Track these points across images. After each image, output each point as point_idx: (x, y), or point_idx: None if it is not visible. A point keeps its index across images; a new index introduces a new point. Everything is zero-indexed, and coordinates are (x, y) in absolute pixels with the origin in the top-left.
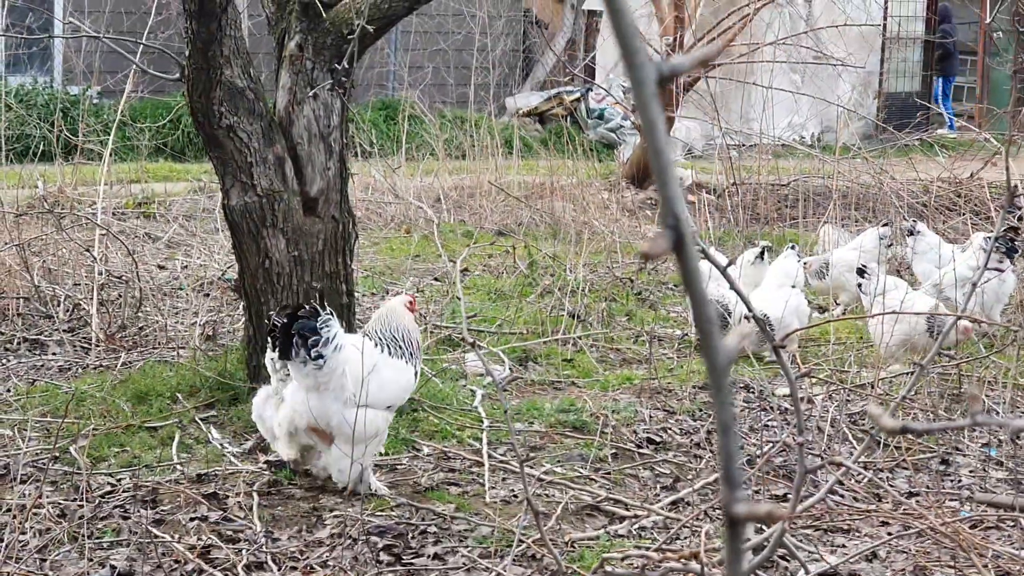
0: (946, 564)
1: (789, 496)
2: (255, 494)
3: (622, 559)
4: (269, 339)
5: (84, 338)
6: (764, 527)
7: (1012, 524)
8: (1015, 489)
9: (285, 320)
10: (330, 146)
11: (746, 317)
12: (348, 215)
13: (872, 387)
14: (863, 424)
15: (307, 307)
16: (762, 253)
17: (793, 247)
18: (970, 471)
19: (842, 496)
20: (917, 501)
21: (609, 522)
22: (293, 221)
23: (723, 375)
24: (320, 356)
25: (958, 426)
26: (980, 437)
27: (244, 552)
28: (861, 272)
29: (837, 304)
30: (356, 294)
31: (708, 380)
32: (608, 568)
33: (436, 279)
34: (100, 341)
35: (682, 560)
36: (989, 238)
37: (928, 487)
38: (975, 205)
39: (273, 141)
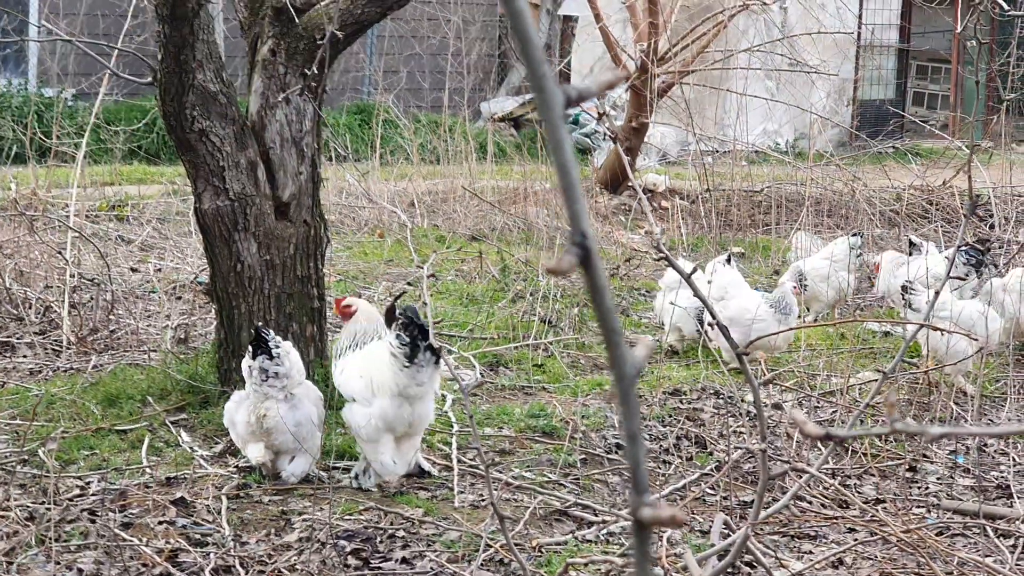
0: (912, 571)
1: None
2: (224, 498)
3: (585, 564)
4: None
5: (55, 341)
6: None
7: (978, 531)
8: (981, 496)
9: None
10: (302, 151)
11: (710, 324)
12: (320, 220)
13: (841, 394)
14: (832, 430)
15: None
16: (728, 259)
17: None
18: (937, 478)
19: (809, 502)
20: (883, 508)
21: (577, 527)
22: (265, 225)
23: (630, 385)
24: None
25: (878, 433)
26: (947, 445)
27: (212, 556)
28: (906, 289)
29: (809, 312)
30: (327, 298)
31: (614, 390)
32: (573, 573)
33: (409, 283)
34: (71, 344)
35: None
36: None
37: (895, 494)
38: (947, 213)
39: (245, 145)
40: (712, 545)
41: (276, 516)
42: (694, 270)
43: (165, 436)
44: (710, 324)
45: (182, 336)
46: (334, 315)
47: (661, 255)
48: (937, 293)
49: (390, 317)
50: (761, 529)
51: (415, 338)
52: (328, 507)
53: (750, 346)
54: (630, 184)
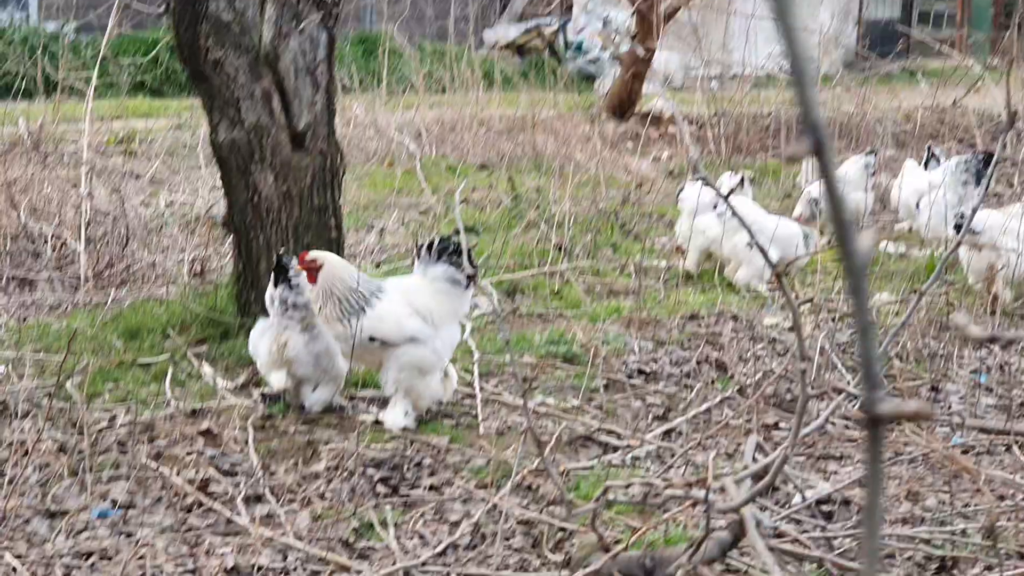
0: (939, 489)
1: (780, 424)
2: (250, 428)
3: (625, 487)
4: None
5: (72, 276)
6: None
7: (1004, 448)
8: (1005, 414)
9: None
10: (316, 80)
11: (748, 244)
12: (335, 149)
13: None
14: (852, 353)
15: None
16: (742, 181)
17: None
18: (960, 398)
19: (833, 424)
20: (908, 427)
21: (603, 452)
22: (281, 156)
23: (860, 277)
24: None
25: None
26: (969, 364)
27: (242, 485)
28: (958, 227)
29: (823, 236)
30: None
31: (847, 281)
32: (611, 496)
33: (421, 213)
34: (88, 279)
35: (686, 488)
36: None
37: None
38: (958, 132)
39: (260, 75)
40: (745, 467)
41: (303, 446)
42: (732, 190)
43: (187, 368)
44: (748, 244)
45: (198, 269)
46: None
47: (699, 175)
48: (974, 210)
49: (430, 249)
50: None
51: (469, 262)
52: (355, 436)
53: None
54: (637, 111)
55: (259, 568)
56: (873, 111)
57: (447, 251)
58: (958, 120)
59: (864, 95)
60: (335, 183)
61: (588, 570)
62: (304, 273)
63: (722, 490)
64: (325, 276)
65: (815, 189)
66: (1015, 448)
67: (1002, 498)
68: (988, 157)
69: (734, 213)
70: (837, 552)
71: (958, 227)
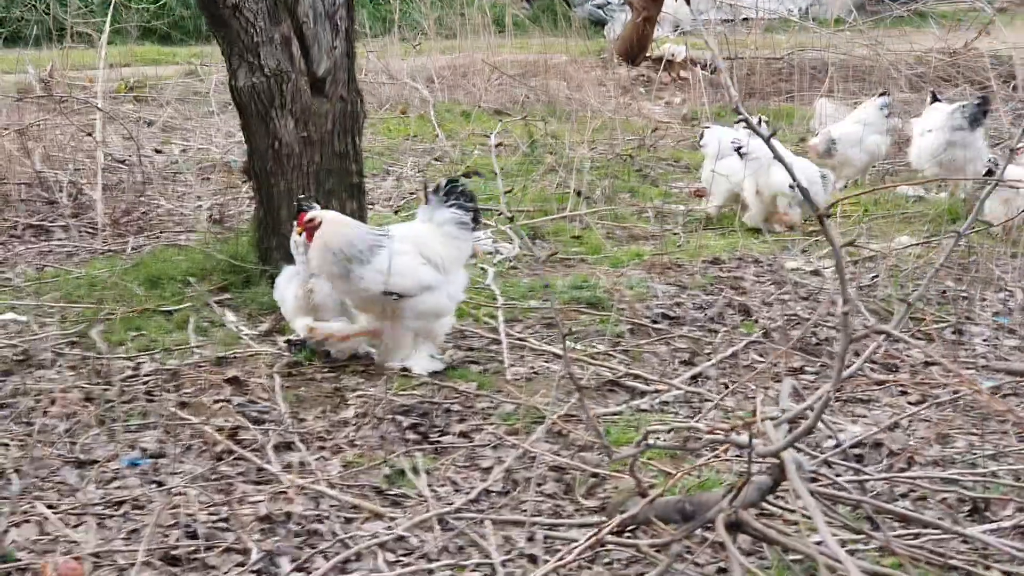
0: (968, 432)
1: (807, 368)
2: (276, 376)
3: (668, 431)
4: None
5: (89, 223)
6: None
7: None
8: None
9: None
10: (336, 25)
11: (790, 186)
12: (356, 95)
13: (884, 258)
14: (873, 295)
15: None
16: (759, 121)
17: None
18: (983, 340)
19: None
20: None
21: (631, 397)
22: (301, 101)
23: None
24: None
25: None
26: (990, 306)
27: (271, 433)
28: (989, 172)
29: (838, 179)
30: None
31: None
32: (650, 441)
33: (436, 159)
34: (106, 226)
35: (736, 430)
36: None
37: (944, 356)
38: (971, 75)
39: (279, 20)
40: (783, 411)
41: (330, 393)
42: (773, 133)
43: (209, 316)
44: (791, 186)
45: (217, 216)
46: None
47: (741, 117)
48: (1013, 151)
49: (437, 192)
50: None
51: (472, 204)
52: (382, 383)
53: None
54: (648, 55)
55: (292, 516)
56: (886, 54)
57: (454, 194)
58: (972, 63)
59: (876, 38)
60: (356, 129)
61: (626, 515)
62: None
63: (762, 434)
64: (324, 234)
65: (836, 129)
66: None
67: None
68: (983, 103)
69: (776, 155)
70: (871, 495)
71: (990, 172)
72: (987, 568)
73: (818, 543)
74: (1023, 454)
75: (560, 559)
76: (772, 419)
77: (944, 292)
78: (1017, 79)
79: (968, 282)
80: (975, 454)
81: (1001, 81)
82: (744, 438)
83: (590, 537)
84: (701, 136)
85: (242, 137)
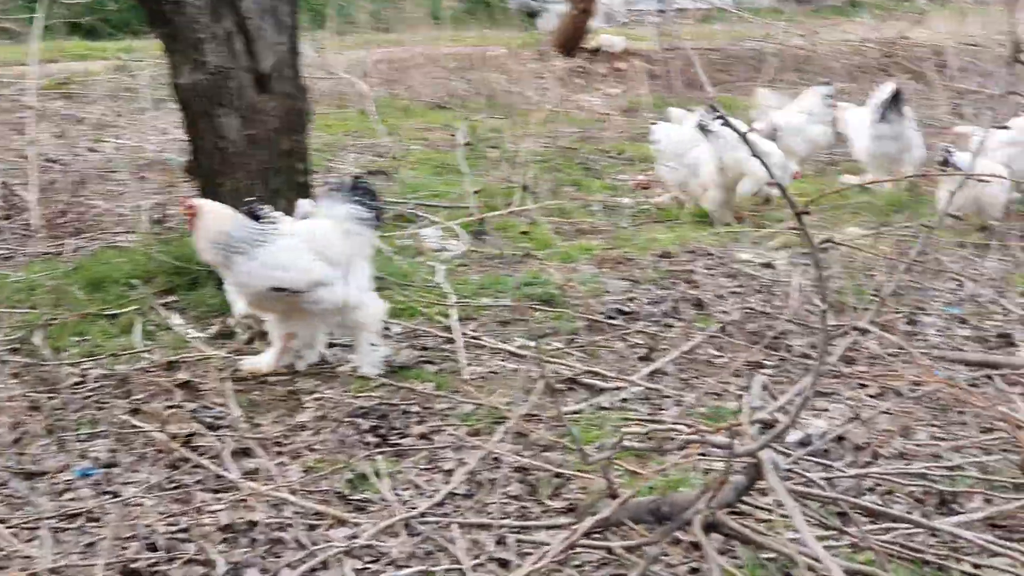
0: (928, 423)
1: (765, 363)
2: (229, 380)
3: (646, 433)
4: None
5: (24, 225)
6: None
7: (986, 380)
8: (982, 346)
9: None
10: (280, 20)
11: (768, 184)
12: (302, 91)
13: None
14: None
15: None
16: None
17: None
18: (936, 330)
19: (815, 360)
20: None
21: (590, 395)
22: (246, 99)
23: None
24: None
25: None
26: (941, 296)
27: (228, 439)
28: (945, 162)
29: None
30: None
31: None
32: (626, 442)
33: (378, 155)
34: (41, 228)
35: (719, 431)
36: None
37: (899, 348)
38: (906, 65)
39: (222, 16)
40: (753, 409)
41: (285, 396)
42: (750, 128)
43: (156, 320)
44: (769, 183)
45: (158, 216)
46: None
47: (718, 114)
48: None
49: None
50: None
51: (374, 201)
52: (338, 385)
53: None
54: (585, 47)
55: (255, 524)
56: (821, 44)
57: (354, 191)
58: (905, 53)
59: (812, 28)
60: (302, 126)
61: (597, 517)
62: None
63: (736, 434)
64: (202, 224)
65: (779, 117)
66: (996, 379)
67: (990, 430)
68: (896, 94)
69: (754, 152)
70: (839, 490)
71: (944, 162)
72: (958, 561)
73: (792, 540)
74: (985, 446)
75: (535, 564)
76: (761, 422)
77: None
78: (951, 68)
79: (918, 273)
80: (938, 446)
81: (938, 70)
82: (720, 438)
83: (564, 540)
84: (652, 133)
85: (179, 134)
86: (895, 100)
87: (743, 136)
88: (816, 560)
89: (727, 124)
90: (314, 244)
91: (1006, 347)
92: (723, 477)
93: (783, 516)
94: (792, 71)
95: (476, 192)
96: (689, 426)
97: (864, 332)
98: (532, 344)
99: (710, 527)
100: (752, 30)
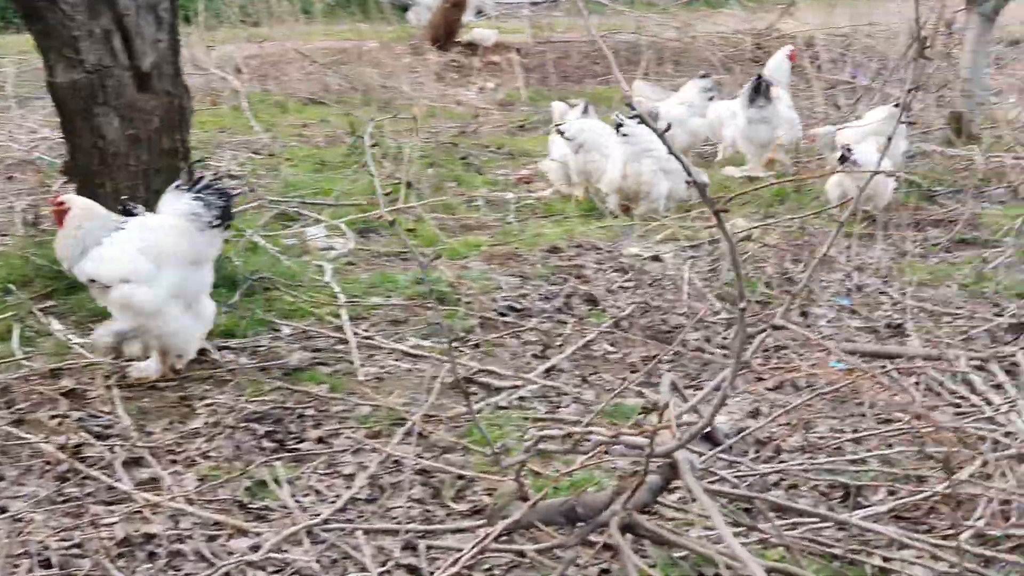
0: (828, 415)
1: (659, 356)
2: (116, 387)
3: (564, 436)
4: None
5: None
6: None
7: (881, 370)
8: (874, 336)
9: None
10: (160, 17)
11: (687, 183)
12: (183, 89)
13: (713, 243)
14: (713, 281)
15: None
16: (585, 108)
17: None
18: (827, 322)
19: (712, 354)
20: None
21: (487, 394)
22: (126, 97)
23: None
24: None
25: None
26: (829, 287)
27: (118, 449)
28: (844, 159)
29: None
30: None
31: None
32: (542, 445)
33: (255, 151)
34: None
35: (644, 433)
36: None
37: (793, 340)
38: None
39: (99, 13)
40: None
41: (176, 402)
42: (668, 127)
43: (35, 325)
44: (687, 182)
45: (32, 218)
46: None
47: (635, 113)
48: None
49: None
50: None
51: (220, 200)
52: (231, 390)
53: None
54: (458, 40)
55: (152, 537)
56: (695, 36)
57: (194, 187)
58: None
59: (685, 20)
60: (184, 125)
61: (509, 521)
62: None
63: (654, 434)
64: (72, 219)
65: (660, 109)
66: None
67: (888, 421)
68: (759, 80)
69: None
70: (744, 486)
71: (843, 158)
72: (869, 555)
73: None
74: (885, 437)
75: (447, 570)
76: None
77: (785, 274)
78: (821, 59)
79: (806, 263)
80: (839, 438)
81: (810, 61)
82: (637, 439)
83: (476, 545)
84: (561, 131)
85: (48, 133)
86: (761, 86)
87: (660, 136)
88: (734, 559)
89: (643, 122)
90: (143, 240)
91: (898, 337)
92: (640, 478)
93: (689, 513)
94: (669, 63)
95: (387, 194)
96: (615, 429)
97: (780, 328)
98: (428, 343)
99: (627, 528)
100: (626, 23)
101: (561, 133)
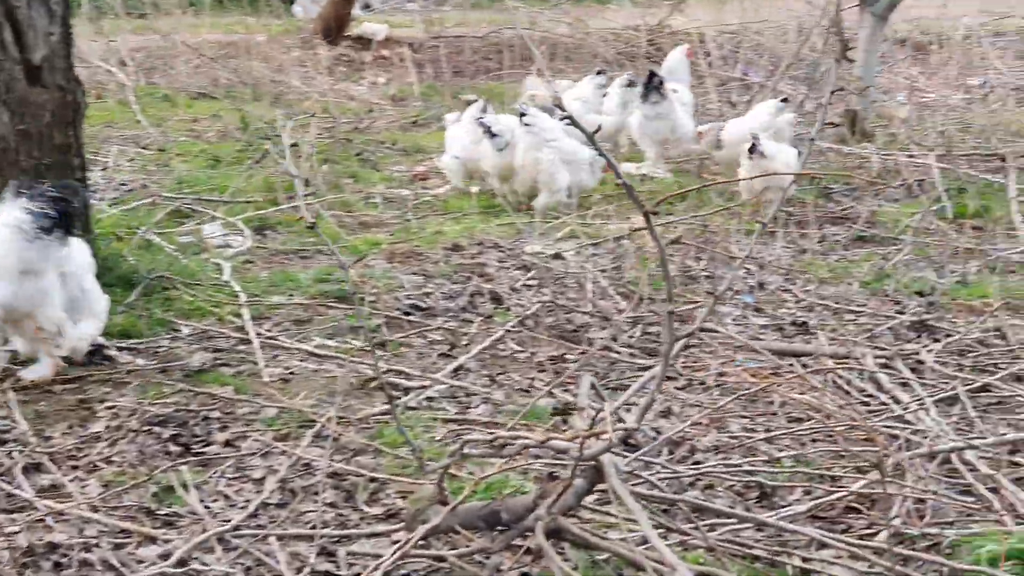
0: (739, 414)
1: (566, 355)
2: (11, 391)
3: (492, 441)
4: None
5: None
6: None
7: (788, 369)
8: (780, 334)
9: None
10: (52, 9)
11: (617, 185)
12: (76, 83)
13: (617, 240)
14: (616, 277)
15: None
16: (484, 107)
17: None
18: (733, 320)
19: (619, 353)
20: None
21: (396, 394)
22: (16, 92)
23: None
24: None
25: None
26: (733, 284)
27: (17, 454)
28: (752, 149)
29: None
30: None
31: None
32: (467, 450)
33: (142, 147)
34: None
35: (577, 438)
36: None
37: (700, 339)
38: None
39: None
40: (582, 408)
41: (75, 405)
42: (598, 129)
43: None
44: (617, 183)
45: None
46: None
47: (564, 116)
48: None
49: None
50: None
51: (52, 210)
52: (131, 392)
53: None
54: (348, 34)
55: (57, 546)
56: (587, 32)
57: (27, 195)
58: (673, 40)
59: (577, 16)
60: (77, 120)
61: (429, 526)
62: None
63: (583, 439)
64: None
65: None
66: (798, 367)
67: (799, 420)
68: (651, 76)
69: (600, 153)
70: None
71: (752, 149)
72: (789, 556)
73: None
74: (798, 436)
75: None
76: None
77: (688, 272)
78: (712, 55)
79: (707, 261)
80: (751, 438)
81: (703, 57)
82: (567, 443)
83: (396, 550)
84: (489, 131)
85: None
86: (653, 82)
87: (590, 137)
88: (661, 563)
89: (574, 123)
90: None
91: (803, 335)
92: (568, 482)
93: (608, 515)
94: (561, 59)
95: (307, 196)
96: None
97: (706, 331)
98: (334, 343)
99: (552, 533)
100: (520, 18)
101: (522, 116)
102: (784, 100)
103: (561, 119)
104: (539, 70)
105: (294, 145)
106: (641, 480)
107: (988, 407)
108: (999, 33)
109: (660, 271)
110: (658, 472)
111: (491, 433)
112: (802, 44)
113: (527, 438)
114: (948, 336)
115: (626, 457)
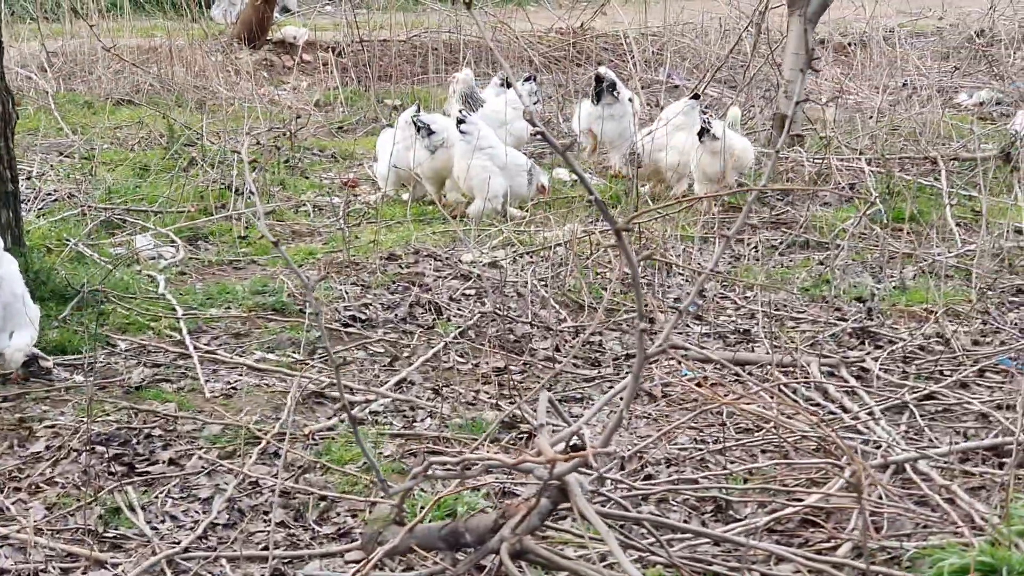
0: (688, 426)
1: (511, 368)
2: None
3: (458, 462)
4: None
5: None
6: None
7: (734, 379)
8: (722, 343)
9: None
10: None
11: (590, 199)
12: (6, 93)
13: (549, 250)
14: (553, 287)
15: None
16: (418, 109)
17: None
18: (675, 328)
19: (560, 362)
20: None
21: (340, 409)
22: None
23: None
24: None
25: None
26: (671, 292)
27: None
28: (702, 134)
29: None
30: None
31: None
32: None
33: (64, 155)
34: None
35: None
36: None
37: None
38: (590, 56)
39: None
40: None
41: (14, 424)
42: (569, 145)
43: None
44: (588, 201)
45: None
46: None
47: (537, 131)
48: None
49: None
50: (524, 394)
51: None
52: (71, 410)
53: None
54: (269, 38)
55: (3, 572)
56: (517, 36)
57: None
58: (598, 43)
59: (501, 19)
60: (8, 131)
61: (387, 547)
62: None
63: (553, 463)
64: None
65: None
66: (743, 376)
67: (749, 430)
68: (598, 79)
69: (573, 169)
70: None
71: (702, 132)
72: (749, 571)
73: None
74: (749, 447)
75: None
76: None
77: (625, 280)
78: (635, 56)
79: (644, 268)
80: (701, 450)
81: (627, 59)
82: (529, 465)
83: (355, 572)
84: (428, 128)
85: None
86: (601, 83)
87: (562, 154)
88: None
89: (545, 139)
90: None
91: (745, 343)
92: (533, 502)
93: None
94: (485, 63)
95: (267, 211)
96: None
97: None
98: (274, 356)
99: (517, 555)
100: (444, 20)
101: (460, 123)
102: (695, 97)
103: (532, 135)
104: (506, 76)
105: (253, 161)
106: (602, 498)
107: (935, 415)
108: (918, 34)
109: (599, 279)
110: (614, 489)
111: (459, 454)
112: (732, 49)
113: (495, 459)
114: (891, 343)
115: (589, 475)
